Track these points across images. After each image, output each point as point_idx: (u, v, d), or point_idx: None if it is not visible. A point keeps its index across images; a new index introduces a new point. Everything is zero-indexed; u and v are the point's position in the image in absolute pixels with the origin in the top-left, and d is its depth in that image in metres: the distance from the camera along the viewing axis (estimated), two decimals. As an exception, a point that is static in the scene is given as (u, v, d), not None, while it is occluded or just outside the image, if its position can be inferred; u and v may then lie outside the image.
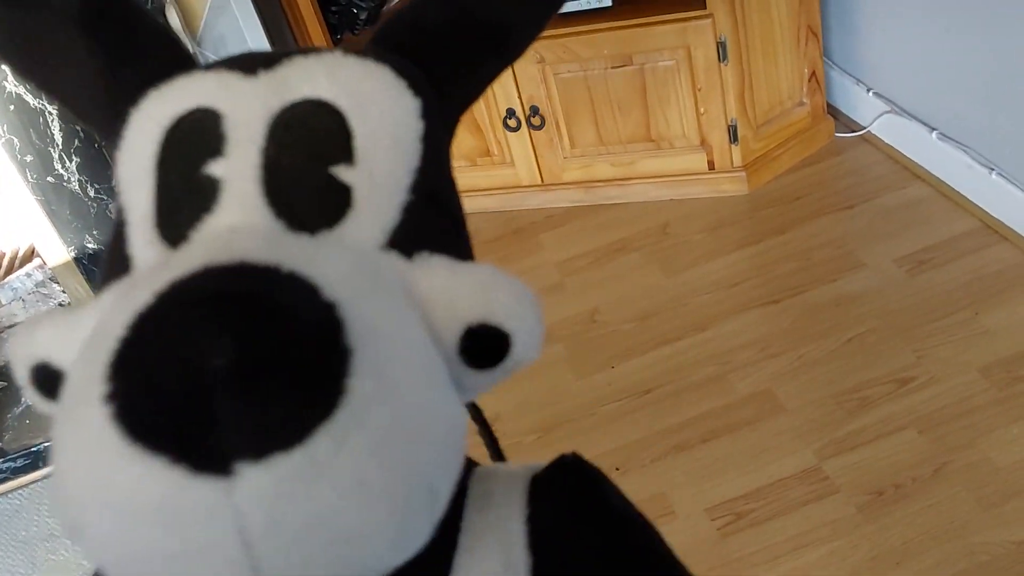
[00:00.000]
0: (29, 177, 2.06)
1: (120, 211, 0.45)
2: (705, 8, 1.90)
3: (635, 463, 1.61)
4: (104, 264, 0.46)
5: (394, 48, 0.49)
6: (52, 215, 2.11)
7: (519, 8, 0.52)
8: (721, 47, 1.94)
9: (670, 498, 1.55)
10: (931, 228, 1.92)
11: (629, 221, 2.14)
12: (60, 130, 2.00)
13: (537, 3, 0.53)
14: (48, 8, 0.49)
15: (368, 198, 0.43)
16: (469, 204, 0.52)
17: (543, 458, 0.50)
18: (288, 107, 0.44)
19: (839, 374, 1.67)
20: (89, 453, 0.35)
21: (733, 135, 2.06)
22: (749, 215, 2.08)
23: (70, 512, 0.37)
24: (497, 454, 0.63)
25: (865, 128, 2.18)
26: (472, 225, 0.51)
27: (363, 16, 2.16)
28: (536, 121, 2.13)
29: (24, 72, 0.52)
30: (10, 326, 2.28)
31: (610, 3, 1.97)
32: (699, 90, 2.01)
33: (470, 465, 0.51)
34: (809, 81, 2.14)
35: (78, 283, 2.23)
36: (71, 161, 2.05)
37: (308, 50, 0.47)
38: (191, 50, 1.85)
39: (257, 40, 2.04)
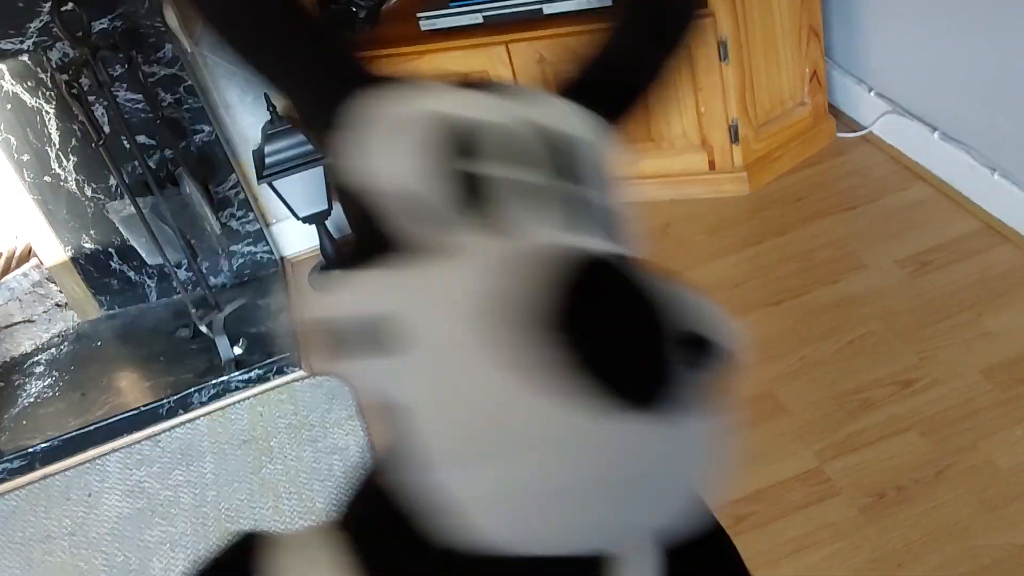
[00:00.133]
0: (26, 176, 2.05)
1: (368, 188, 0.50)
2: (706, 7, 1.90)
3: (635, 465, 1.61)
4: (363, 227, 0.51)
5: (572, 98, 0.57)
6: (49, 215, 2.10)
7: (640, 81, 0.66)
8: (722, 46, 1.93)
9: (670, 500, 1.54)
10: (933, 229, 1.91)
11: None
12: (57, 129, 1.99)
13: (650, 78, 0.65)
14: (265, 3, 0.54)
15: (591, 214, 0.51)
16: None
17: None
18: (530, 126, 0.50)
19: (841, 375, 1.67)
20: (528, 393, 0.41)
21: (734, 135, 2.05)
22: (750, 216, 2.08)
23: (488, 440, 0.42)
24: None
25: (867, 128, 2.18)
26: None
27: (362, 15, 2.15)
28: (536, 121, 2.12)
29: (235, 50, 0.55)
30: (6, 326, 2.27)
31: (610, 2, 1.95)
32: (700, 90, 2.00)
33: None
34: (810, 81, 2.13)
35: (75, 283, 2.22)
36: (68, 160, 2.04)
37: (524, 87, 0.57)
38: (189, 49, 1.82)
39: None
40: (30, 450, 1.92)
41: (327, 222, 2.16)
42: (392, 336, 0.45)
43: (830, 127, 2.21)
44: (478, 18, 2.03)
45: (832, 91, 2.26)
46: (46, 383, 2.11)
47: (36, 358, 2.19)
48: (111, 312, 2.26)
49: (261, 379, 1.98)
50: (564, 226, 0.49)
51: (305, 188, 2.06)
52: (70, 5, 1.76)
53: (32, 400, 2.07)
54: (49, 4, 1.77)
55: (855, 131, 2.20)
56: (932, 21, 1.88)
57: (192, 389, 1.96)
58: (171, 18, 1.92)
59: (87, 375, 2.10)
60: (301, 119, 0.56)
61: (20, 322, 2.28)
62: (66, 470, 1.93)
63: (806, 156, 2.18)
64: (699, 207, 2.13)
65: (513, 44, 2.02)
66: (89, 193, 2.08)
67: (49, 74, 1.89)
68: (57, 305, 2.29)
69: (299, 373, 1.99)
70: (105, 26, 1.85)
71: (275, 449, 1.85)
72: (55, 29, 1.76)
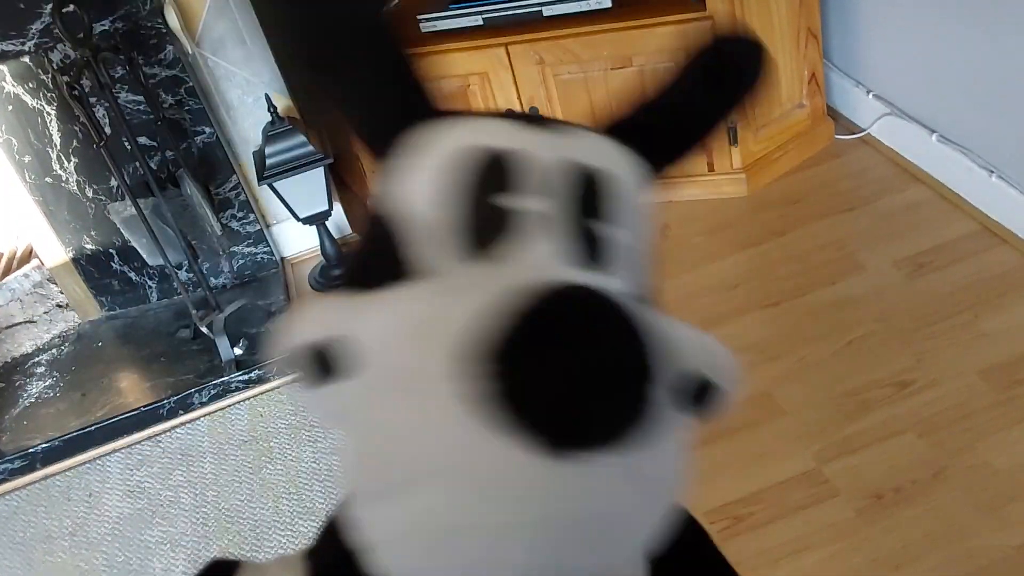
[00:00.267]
0: (27, 177, 2.05)
1: (397, 215, 0.50)
2: (705, 10, 1.90)
3: (634, 466, 1.61)
4: (372, 253, 0.51)
5: (616, 138, 0.57)
6: (50, 215, 2.11)
7: (695, 131, 0.64)
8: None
9: (669, 501, 1.54)
10: (931, 231, 1.91)
11: (628, 223, 2.13)
12: (58, 130, 2.00)
13: (705, 130, 0.64)
14: (348, 15, 0.54)
15: (625, 256, 0.51)
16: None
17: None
18: (572, 165, 0.51)
19: (839, 377, 1.67)
20: (447, 424, 0.39)
21: (733, 137, 2.06)
22: (749, 217, 2.08)
23: (400, 474, 0.41)
24: None
25: (865, 130, 2.18)
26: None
27: (362, 17, 2.15)
28: (535, 122, 2.12)
29: (308, 67, 0.56)
30: (7, 327, 2.27)
31: (610, 4, 1.96)
32: (699, 92, 2.00)
33: None
34: (809, 83, 2.14)
35: (76, 283, 2.22)
36: (69, 162, 2.04)
37: (568, 122, 0.55)
38: (190, 51, 1.83)
39: (256, 41, 2.04)
40: (31, 450, 1.93)
41: (327, 223, 2.17)
42: (340, 360, 0.45)
43: (828, 129, 2.21)
44: (478, 20, 2.03)
45: (830, 93, 2.26)
46: (47, 383, 2.11)
47: (37, 358, 2.19)
48: (112, 313, 2.27)
49: (261, 380, 1.98)
50: (581, 263, 0.49)
51: (305, 189, 2.06)
52: (71, 6, 1.76)
53: (33, 400, 2.07)
54: (50, 5, 1.77)
55: (853, 133, 2.20)
56: (930, 23, 1.89)
57: (192, 390, 1.96)
58: (172, 19, 1.92)
59: (88, 376, 2.11)
60: (363, 142, 0.55)
61: (21, 322, 2.29)
62: (67, 470, 1.94)
63: (804, 158, 2.19)
64: (698, 208, 2.14)
65: (513, 46, 2.03)
66: (90, 194, 2.09)
67: (50, 75, 1.90)
68: (58, 306, 2.30)
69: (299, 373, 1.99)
70: (106, 27, 1.86)
71: (275, 450, 1.85)
72: (56, 30, 1.77)
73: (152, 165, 2.01)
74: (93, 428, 1.94)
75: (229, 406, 1.97)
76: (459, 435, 0.39)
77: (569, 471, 0.39)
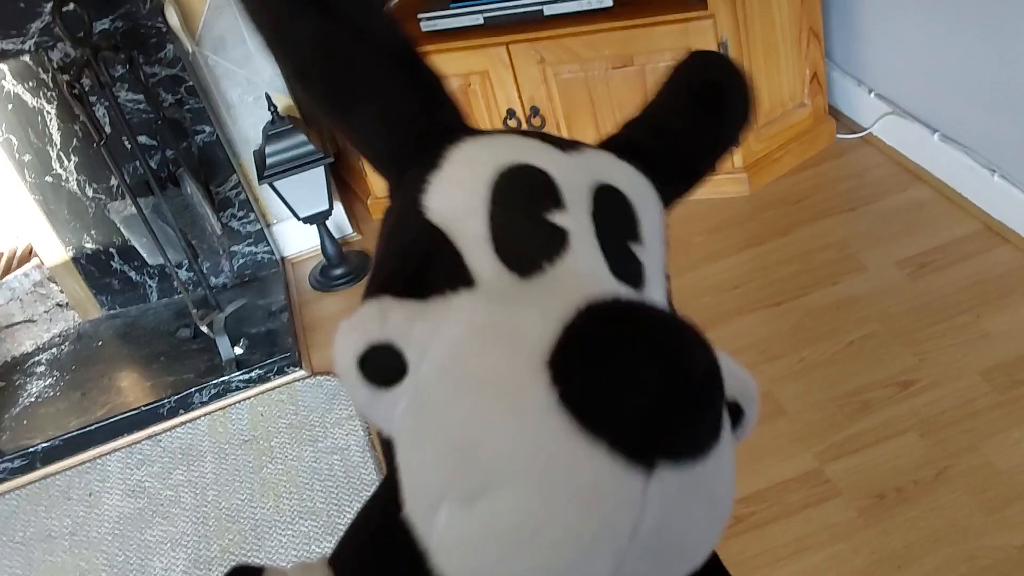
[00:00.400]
0: (27, 177, 2.05)
1: (434, 227, 0.51)
2: (706, 8, 1.90)
3: (635, 466, 1.61)
4: (413, 263, 0.51)
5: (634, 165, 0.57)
6: (50, 215, 2.10)
7: (701, 155, 0.65)
8: (722, 48, 1.94)
9: (670, 501, 1.54)
10: (933, 231, 1.91)
11: (629, 222, 2.13)
12: (58, 129, 1.99)
13: (714, 152, 0.66)
14: (371, 39, 0.54)
15: (652, 274, 0.52)
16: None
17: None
18: (600, 185, 0.52)
19: (840, 377, 1.67)
20: (529, 426, 0.39)
21: (734, 136, 2.05)
22: (750, 217, 2.08)
23: (479, 474, 0.40)
24: None
25: (867, 130, 2.18)
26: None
27: (363, 16, 2.15)
28: (536, 122, 2.12)
29: (324, 92, 0.55)
30: (7, 326, 2.27)
31: (611, 3, 1.96)
32: (700, 91, 2.00)
33: None
34: (810, 82, 2.13)
35: (76, 283, 2.22)
36: (69, 161, 2.04)
37: (590, 145, 0.57)
38: (190, 50, 1.84)
39: (256, 41, 2.03)
40: (31, 449, 1.93)
41: (328, 222, 2.17)
42: (392, 366, 0.45)
43: (830, 128, 2.21)
44: (479, 19, 2.03)
45: (832, 92, 2.26)
46: (47, 383, 2.11)
47: (37, 358, 2.19)
48: (112, 312, 2.26)
49: (262, 379, 1.98)
50: (622, 280, 0.49)
51: (306, 188, 2.06)
52: (71, 5, 1.76)
53: (33, 400, 2.07)
54: (50, 4, 1.77)
55: (855, 132, 2.20)
56: (932, 22, 1.88)
57: (193, 389, 1.96)
58: (172, 18, 1.92)
59: (88, 375, 2.11)
60: (370, 152, 0.54)
61: (21, 322, 2.29)
62: (67, 470, 1.93)
63: (806, 157, 2.19)
64: (699, 208, 2.13)
65: (514, 45, 2.02)
66: (90, 193, 2.09)
67: (50, 74, 1.89)
68: (58, 305, 2.29)
69: (300, 373, 1.99)
70: (106, 26, 1.86)
71: (276, 449, 1.85)
72: (56, 29, 1.77)
73: (152, 164, 2.01)
74: (93, 427, 1.94)
75: (229, 405, 1.97)
76: (547, 439, 0.39)
77: (656, 483, 0.39)
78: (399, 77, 0.54)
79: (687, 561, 0.44)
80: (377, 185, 2.30)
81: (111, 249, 2.17)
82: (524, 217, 0.50)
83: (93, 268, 2.20)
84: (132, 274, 2.22)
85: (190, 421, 1.96)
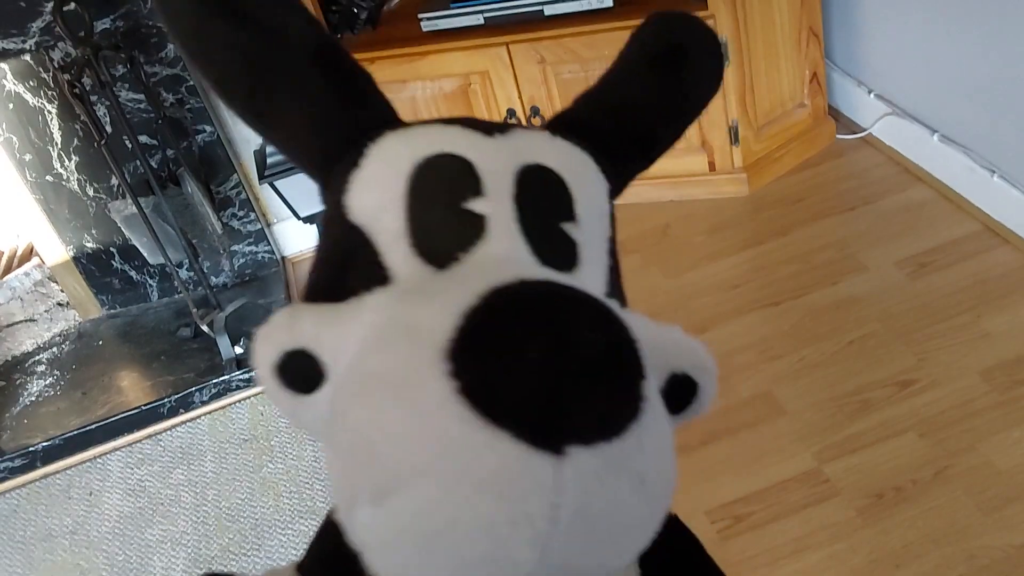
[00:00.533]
0: (28, 176, 2.05)
1: (355, 227, 0.50)
2: (707, 8, 1.90)
3: (634, 465, 1.61)
4: (335, 267, 0.51)
5: (574, 141, 0.55)
6: (51, 214, 2.11)
7: (663, 124, 0.62)
8: (722, 48, 1.94)
9: (669, 500, 1.54)
10: (932, 231, 1.91)
11: (629, 222, 2.13)
12: (59, 129, 2.00)
13: (677, 121, 0.63)
14: (286, 42, 0.53)
15: (589, 254, 0.50)
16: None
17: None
18: (527, 167, 0.50)
19: (840, 377, 1.67)
20: (430, 421, 0.39)
21: (734, 136, 2.06)
22: (750, 217, 2.08)
23: (385, 474, 0.40)
24: None
25: (866, 130, 2.18)
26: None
27: (363, 16, 2.15)
28: (537, 122, 2.13)
29: (245, 100, 0.54)
30: (8, 325, 2.27)
31: (611, 3, 1.96)
32: (700, 91, 2.00)
33: None
34: (810, 83, 2.13)
35: (76, 282, 2.22)
36: (70, 160, 2.04)
37: (523, 126, 0.55)
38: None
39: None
40: (31, 449, 1.93)
41: (328, 222, 2.17)
42: (315, 369, 0.45)
43: (830, 129, 2.21)
44: (479, 19, 2.03)
45: (832, 93, 2.26)
46: (47, 382, 2.11)
47: (37, 357, 2.19)
48: (112, 311, 2.27)
49: (262, 379, 1.98)
50: (547, 262, 0.48)
51: (306, 188, 2.06)
52: (72, 5, 1.76)
53: (33, 399, 2.07)
54: (51, 4, 1.77)
55: (855, 133, 2.20)
56: (932, 23, 1.89)
57: (193, 388, 1.96)
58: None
59: (88, 374, 2.11)
60: (298, 157, 0.53)
61: (22, 321, 2.29)
62: (67, 469, 1.94)
63: (806, 157, 2.19)
64: (699, 208, 2.13)
65: (514, 45, 2.02)
66: (91, 193, 2.09)
67: (51, 74, 1.90)
68: (59, 304, 2.30)
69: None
70: (107, 26, 1.86)
71: (276, 448, 1.85)
72: (57, 29, 1.77)
73: (153, 164, 2.01)
74: (93, 427, 1.95)
75: (230, 405, 1.97)
76: (450, 431, 0.39)
77: (570, 466, 0.39)
78: (318, 78, 0.53)
79: (622, 544, 0.43)
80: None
81: (112, 248, 2.18)
82: (441, 208, 0.49)
83: (94, 267, 2.20)
84: (133, 273, 2.22)
85: (190, 420, 1.96)
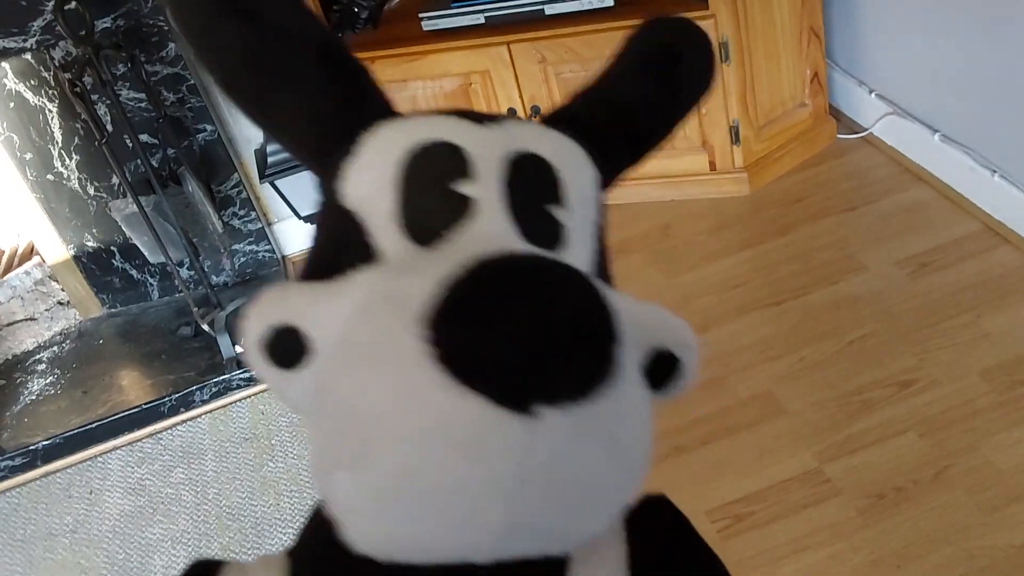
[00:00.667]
0: (29, 175, 2.05)
1: (348, 212, 0.52)
2: (707, 8, 1.90)
3: (635, 465, 1.61)
4: (328, 250, 0.53)
5: (566, 132, 0.57)
6: (51, 213, 2.11)
7: (654, 122, 0.64)
8: (723, 48, 1.94)
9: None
10: (933, 231, 1.91)
11: (630, 222, 2.13)
12: (60, 128, 2.00)
13: (669, 118, 0.64)
14: (291, 40, 0.54)
15: (575, 237, 0.52)
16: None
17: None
18: (517, 153, 0.52)
19: (840, 377, 1.67)
20: (406, 385, 0.40)
21: (735, 136, 2.06)
22: (750, 216, 2.08)
23: (362, 437, 0.41)
24: None
25: (867, 130, 2.18)
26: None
27: (364, 15, 2.15)
28: (537, 120, 2.12)
29: (251, 98, 0.55)
30: (8, 324, 2.27)
31: (612, 3, 1.96)
32: (701, 91, 2.00)
33: None
34: (811, 82, 2.13)
35: (77, 281, 2.22)
36: (71, 159, 2.04)
37: (517, 118, 0.57)
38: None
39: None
40: (32, 447, 1.93)
41: (329, 221, 2.17)
42: (302, 346, 0.46)
43: (831, 128, 2.21)
44: (480, 18, 2.03)
45: (833, 92, 2.26)
46: (48, 381, 2.11)
47: (38, 356, 2.19)
48: (113, 310, 2.27)
49: (262, 378, 1.98)
50: (532, 242, 0.49)
51: (307, 187, 2.06)
52: (73, 4, 1.76)
53: (34, 398, 2.07)
54: (52, 3, 1.77)
55: (855, 132, 2.20)
56: (933, 23, 1.89)
57: (194, 387, 1.96)
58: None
59: (89, 373, 2.11)
60: (300, 152, 0.54)
61: (22, 320, 2.29)
62: (68, 468, 1.94)
63: (806, 157, 2.19)
64: (700, 207, 2.13)
65: (515, 44, 2.02)
66: (92, 191, 2.09)
67: (52, 73, 1.90)
68: (59, 303, 2.30)
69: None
70: (108, 25, 1.86)
71: (276, 447, 1.85)
72: (58, 28, 1.77)
73: (154, 163, 2.01)
74: (94, 425, 1.95)
75: (230, 404, 1.97)
76: (425, 396, 0.40)
77: (540, 427, 0.40)
78: (321, 73, 0.54)
79: (592, 507, 0.44)
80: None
81: (112, 247, 2.18)
82: (431, 191, 0.50)
83: (94, 266, 2.20)
84: (133, 272, 2.23)
85: (191, 419, 1.96)
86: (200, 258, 2.13)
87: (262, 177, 2.03)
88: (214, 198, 2.12)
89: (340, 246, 0.52)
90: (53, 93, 1.94)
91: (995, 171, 1.85)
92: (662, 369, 0.49)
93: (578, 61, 2.02)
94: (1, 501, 1.90)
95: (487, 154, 0.51)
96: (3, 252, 2.34)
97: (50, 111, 1.97)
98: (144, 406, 1.96)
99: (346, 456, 0.42)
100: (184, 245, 1.96)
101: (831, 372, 1.68)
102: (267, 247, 2.25)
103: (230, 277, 2.26)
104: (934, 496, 1.45)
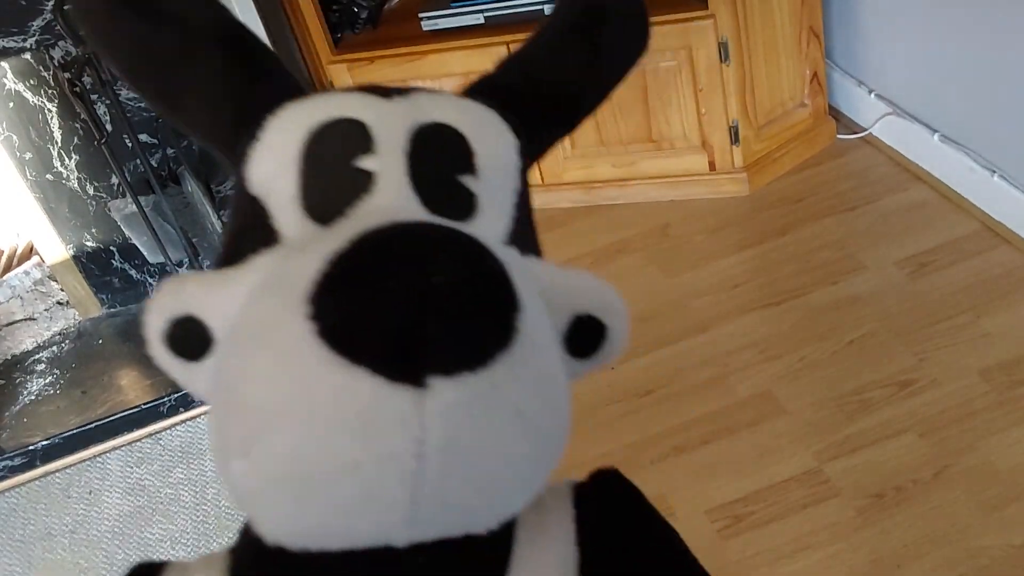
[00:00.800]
0: (28, 174, 2.05)
1: (253, 198, 0.51)
2: (707, 8, 1.90)
3: (635, 464, 1.61)
4: (234, 239, 0.51)
5: (484, 101, 0.56)
6: (51, 213, 2.11)
7: (582, 87, 0.61)
8: (723, 48, 1.94)
9: (669, 500, 1.54)
10: (932, 230, 1.91)
11: (630, 222, 2.14)
12: (59, 127, 2.00)
13: (600, 82, 0.61)
14: (188, 27, 0.53)
15: (488, 205, 0.50)
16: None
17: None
18: (424, 125, 0.51)
19: (840, 376, 1.67)
20: (290, 365, 0.39)
21: (734, 136, 2.06)
22: (750, 216, 2.08)
23: (250, 422, 0.40)
24: None
25: (867, 130, 2.18)
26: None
27: (363, 15, 2.15)
28: (537, 121, 2.12)
29: (154, 89, 0.55)
30: (8, 324, 2.27)
31: (612, 3, 1.96)
32: (700, 91, 2.01)
33: None
34: (811, 82, 2.13)
35: (76, 281, 2.22)
36: (70, 159, 2.04)
37: (427, 89, 0.55)
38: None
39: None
40: (31, 448, 1.93)
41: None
42: (197, 338, 0.45)
43: (830, 128, 2.21)
44: (479, 18, 2.03)
45: (832, 92, 2.26)
46: (47, 381, 2.11)
47: (37, 356, 2.19)
48: (112, 310, 2.27)
49: (262, 378, 1.98)
50: (437, 212, 0.48)
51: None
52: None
53: (33, 398, 2.07)
54: (52, 2, 1.77)
55: (855, 132, 2.20)
56: (932, 23, 1.89)
57: (193, 387, 1.96)
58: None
59: (88, 373, 2.11)
60: (209, 140, 0.54)
61: (21, 320, 2.29)
62: (67, 468, 1.94)
63: (806, 157, 2.19)
64: (699, 208, 2.13)
65: (515, 44, 2.01)
66: (91, 191, 2.09)
67: (51, 72, 1.89)
68: (58, 303, 2.29)
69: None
70: (107, 25, 1.85)
71: (276, 447, 1.85)
72: (58, 27, 1.77)
73: (153, 163, 2.01)
74: (93, 425, 1.94)
75: (229, 404, 1.97)
76: (309, 374, 0.38)
77: (433, 399, 0.38)
78: (221, 59, 0.53)
79: (504, 482, 0.42)
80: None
81: (112, 247, 2.17)
82: (331, 168, 0.49)
83: (94, 266, 2.20)
84: (133, 272, 2.22)
85: (190, 419, 1.96)
86: (200, 258, 2.13)
87: (261, 177, 2.03)
88: (214, 198, 2.12)
89: (245, 232, 0.51)
90: (52, 93, 1.94)
91: (994, 171, 1.85)
92: (590, 337, 0.48)
93: (578, 61, 2.02)
94: (0, 501, 1.90)
95: (391, 127, 0.50)
96: (2, 252, 2.34)
97: (49, 111, 1.97)
98: (143, 406, 1.96)
99: (238, 443, 0.41)
100: (184, 245, 1.96)
101: (831, 372, 1.68)
102: (266, 247, 2.25)
103: (229, 277, 2.25)
104: (934, 496, 1.45)
